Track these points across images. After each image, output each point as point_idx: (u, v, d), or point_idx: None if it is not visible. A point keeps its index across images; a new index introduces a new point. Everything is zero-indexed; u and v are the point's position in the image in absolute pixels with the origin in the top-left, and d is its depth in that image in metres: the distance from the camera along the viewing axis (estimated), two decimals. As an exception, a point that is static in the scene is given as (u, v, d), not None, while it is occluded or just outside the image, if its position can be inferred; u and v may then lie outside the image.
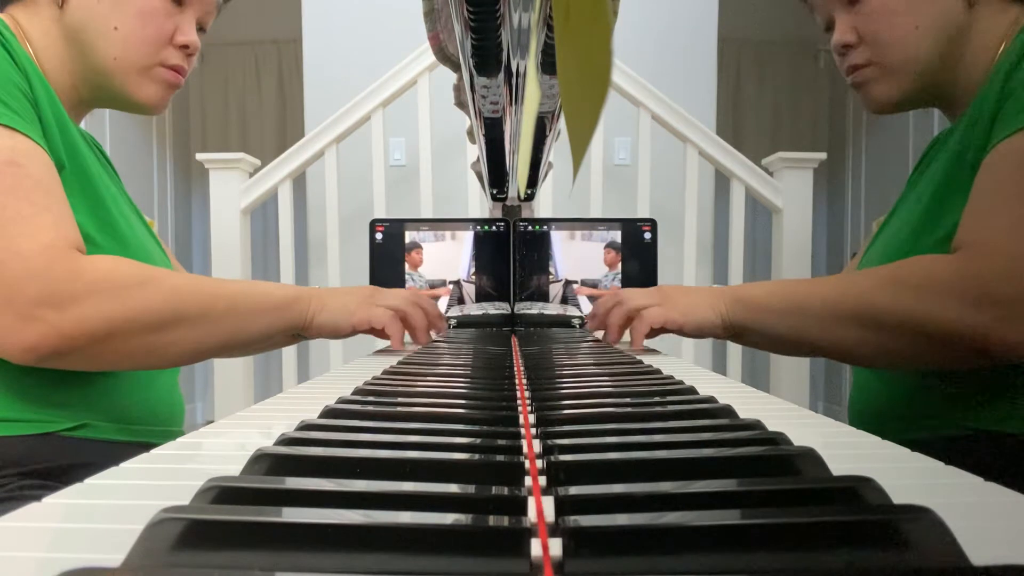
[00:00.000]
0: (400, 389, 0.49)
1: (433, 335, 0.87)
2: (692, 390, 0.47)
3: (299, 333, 0.78)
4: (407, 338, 0.83)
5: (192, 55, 0.81)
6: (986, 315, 0.61)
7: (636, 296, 0.83)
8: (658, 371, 0.58)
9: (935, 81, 0.77)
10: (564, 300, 1.15)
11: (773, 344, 0.81)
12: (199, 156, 2.33)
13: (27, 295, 0.60)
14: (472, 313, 1.14)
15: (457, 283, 1.14)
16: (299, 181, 2.68)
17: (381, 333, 0.81)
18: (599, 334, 0.91)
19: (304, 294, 0.77)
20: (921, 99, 0.79)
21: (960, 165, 0.70)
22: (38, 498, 0.26)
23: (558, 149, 0.93)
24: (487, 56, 0.50)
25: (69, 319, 0.61)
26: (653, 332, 0.81)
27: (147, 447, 0.77)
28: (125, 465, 0.32)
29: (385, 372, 0.58)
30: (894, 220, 0.82)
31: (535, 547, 0.20)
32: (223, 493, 0.23)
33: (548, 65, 0.46)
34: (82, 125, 0.87)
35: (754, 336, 0.79)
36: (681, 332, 0.81)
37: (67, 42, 0.75)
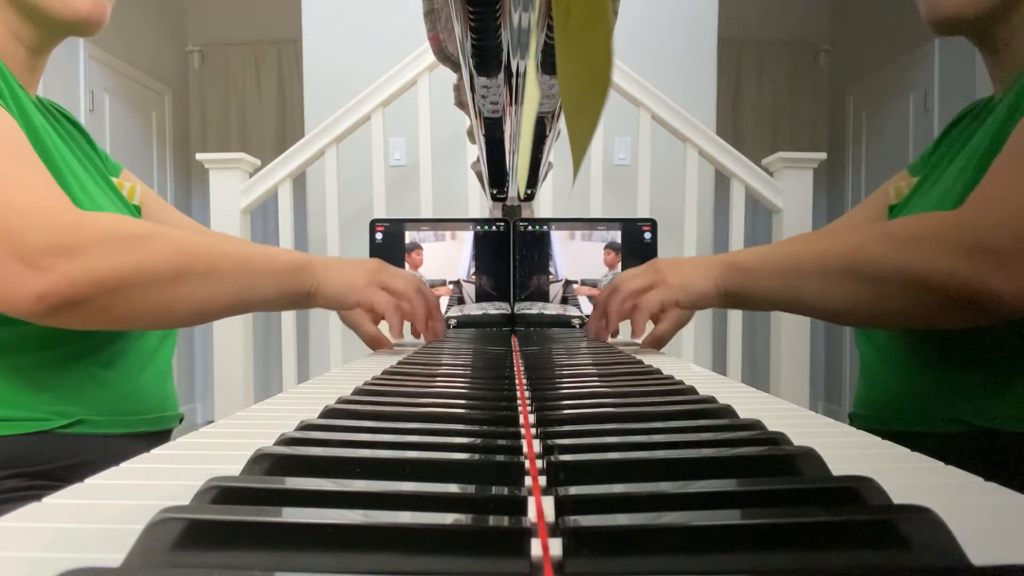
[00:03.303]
0: (400, 389, 0.49)
1: (428, 338, 0.86)
2: (692, 390, 0.47)
3: (305, 300, 0.78)
4: (406, 333, 0.83)
5: None
6: (978, 264, 0.59)
7: (631, 279, 0.82)
8: (658, 371, 0.58)
9: (1000, 13, 0.74)
10: (564, 300, 1.15)
11: (770, 306, 0.79)
12: (199, 156, 2.33)
13: (34, 244, 0.58)
14: (472, 313, 1.14)
15: (457, 283, 1.14)
16: (299, 181, 2.69)
17: (378, 314, 0.81)
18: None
19: (311, 261, 0.77)
20: (980, 25, 0.76)
21: (1005, 134, 0.67)
22: (39, 499, 0.26)
23: (558, 149, 0.93)
24: (487, 56, 0.50)
25: (79, 267, 0.60)
26: (654, 315, 0.81)
27: (142, 437, 0.76)
28: (125, 465, 0.32)
29: (385, 372, 0.58)
30: (930, 186, 0.79)
31: (535, 547, 0.20)
32: (223, 493, 0.23)
33: (548, 65, 0.46)
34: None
35: (750, 300, 0.78)
36: (678, 306, 0.80)
37: None
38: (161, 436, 0.80)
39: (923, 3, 0.78)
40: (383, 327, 0.89)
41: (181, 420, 0.85)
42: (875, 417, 0.80)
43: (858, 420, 0.82)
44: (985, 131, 0.73)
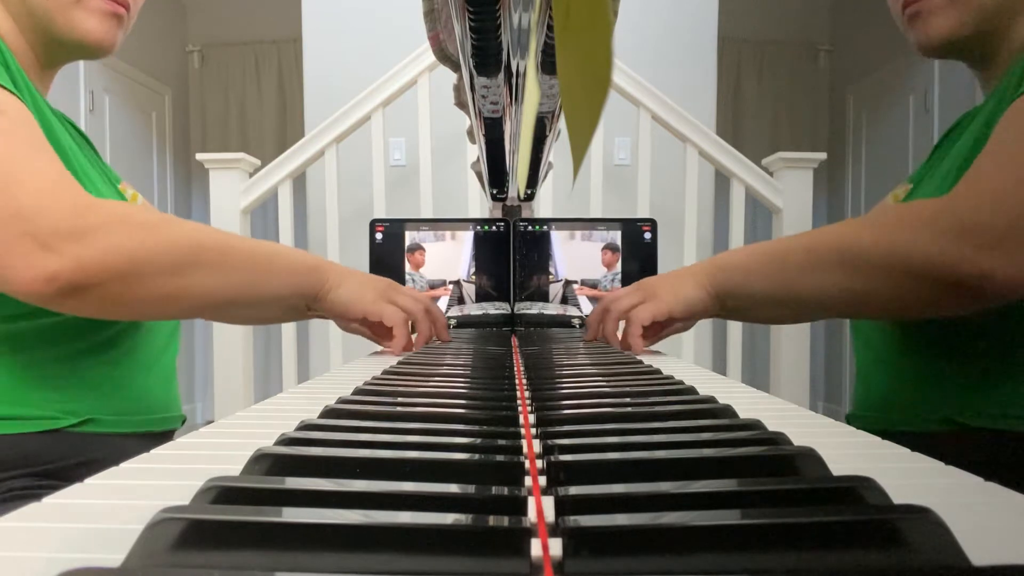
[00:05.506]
0: (400, 389, 0.49)
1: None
2: (692, 390, 0.47)
3: (311, 305, 0.77)
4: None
5: None
6: (965, 245, 0.59)
7: (621, 298, 0.82)
8: (658, 371, 0.58)
9: (989, 29, 0.75)
10: (564, 300, 1.15)
11: (760, 306, 0.78)
12: (199, 156, 2.33)
13: (47, 225, 0.58)
14: (472, 313, 1.14)
15: (457, 283, 1.14)
16: (299, 181, 2.68)
17: (381, 329, 0.81)
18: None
19: (324, 265, 0.76)
20: (971, 45, 0.77)
21: (987, 135, 0.68)
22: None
23: (558, 149, 0.93)
24: (487, 56, 0.50)
25: (90, 251, 0.59)
26: (648, 329, 0.81)
27: (148, 437, 0.76)
28: (125, 465, 0.32)
29: (385, 372, 0.58)
30: (921, 191, 0.81)
31: (535, 547, 0.20)
32: (223, 493, 0.23)
33: (548, 65, 0.46)
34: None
35: (742, 299, 0.77)
36: (671, 317, 0.80)
37: None
38: (164, 437, 0.80)
39: (912, 32, 0.80)
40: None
41: (183, 422, 0.85)
42: (871, 417, 0.80)
43: (855, 421, 0.82)
44: (969, 133, 0.74)
